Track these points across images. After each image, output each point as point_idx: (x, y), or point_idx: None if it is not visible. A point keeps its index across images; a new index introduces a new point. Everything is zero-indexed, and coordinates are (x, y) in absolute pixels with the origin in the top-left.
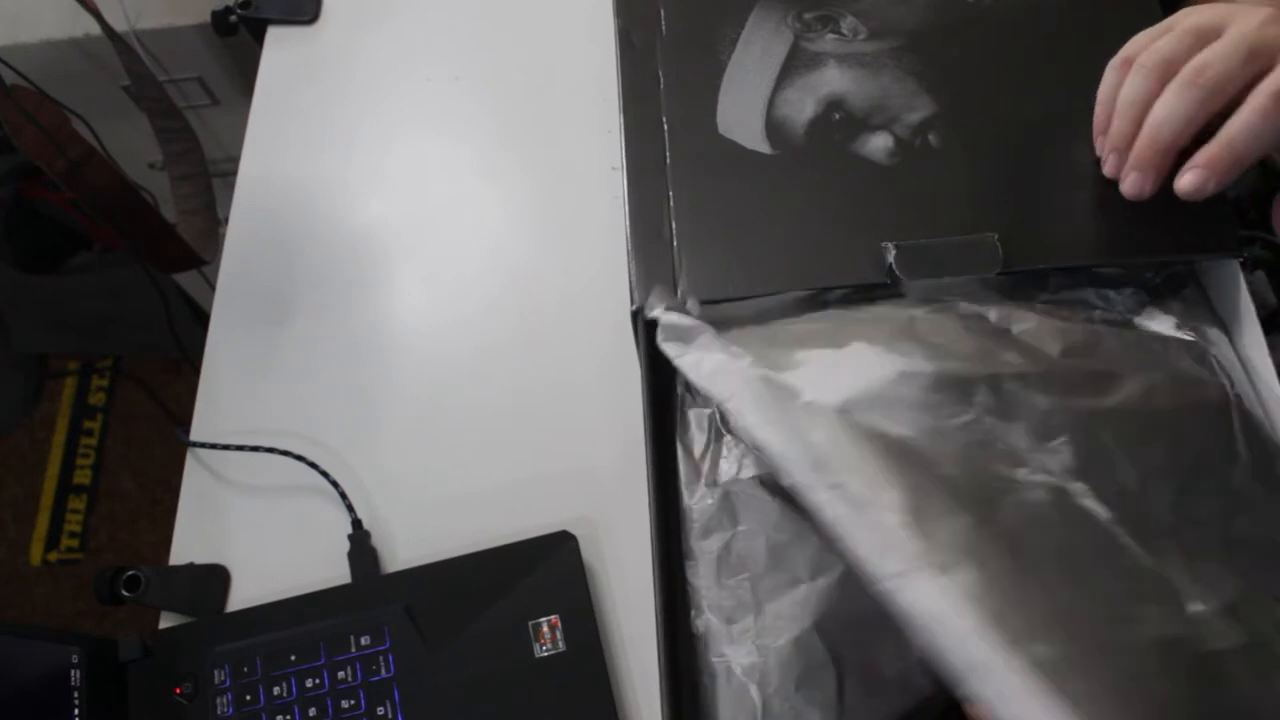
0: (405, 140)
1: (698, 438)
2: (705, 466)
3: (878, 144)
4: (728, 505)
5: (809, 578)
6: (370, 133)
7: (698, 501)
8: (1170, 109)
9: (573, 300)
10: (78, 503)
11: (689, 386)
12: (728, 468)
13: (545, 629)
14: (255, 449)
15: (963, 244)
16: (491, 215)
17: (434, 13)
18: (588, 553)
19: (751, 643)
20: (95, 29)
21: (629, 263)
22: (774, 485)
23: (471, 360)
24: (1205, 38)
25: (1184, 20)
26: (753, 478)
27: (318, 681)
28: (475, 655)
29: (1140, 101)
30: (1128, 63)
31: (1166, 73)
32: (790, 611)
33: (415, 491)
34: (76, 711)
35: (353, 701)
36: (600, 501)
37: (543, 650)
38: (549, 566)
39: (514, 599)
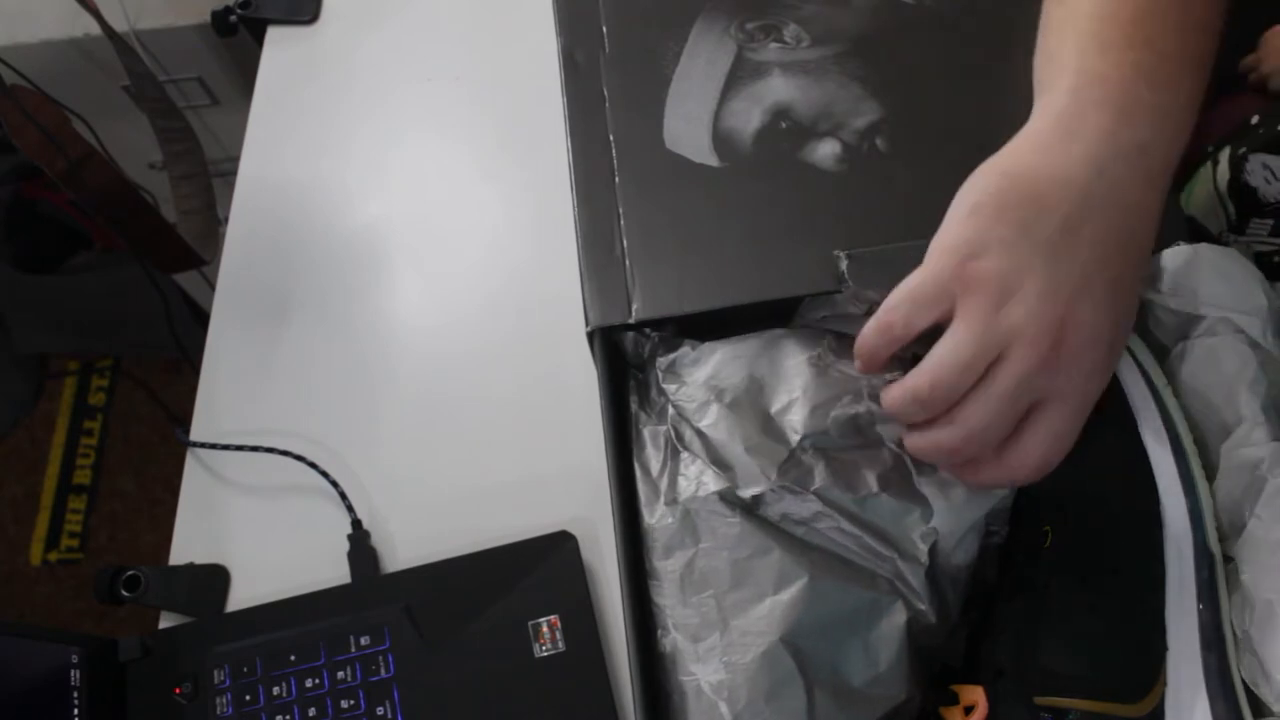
0: (405, 140)
1: (654, 456)
2: (664, 485)
3: (825, 151)
4: (688, 523)
5: (773, 591)
6: (370, 133)
7: (658, 521)
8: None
9: (572, 299)
10: (78, 503)
11: (643, 404)
12: (686, 485)
13: (545, 629)
14: (255, 449)
15: (914, 249)
16: (491, 215)
17: (434, 13)
18: (588, 553)
19: (719, 660)
20: (95, 29)
21: (582, 283)
22: (734, 500)
23: (471, 360)
24: (989, 356)
25: (966, 345)
26: (712, 494)
27: (317, 682)
28: (475, 655)
29: (906, 419)
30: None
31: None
32: (756, 626)
33: (415, 491)
34: (76, 711)
35: (352, 701)
36: (600, 501)
37: (542, 650)
38: (549, 566)
39: (514, 599)
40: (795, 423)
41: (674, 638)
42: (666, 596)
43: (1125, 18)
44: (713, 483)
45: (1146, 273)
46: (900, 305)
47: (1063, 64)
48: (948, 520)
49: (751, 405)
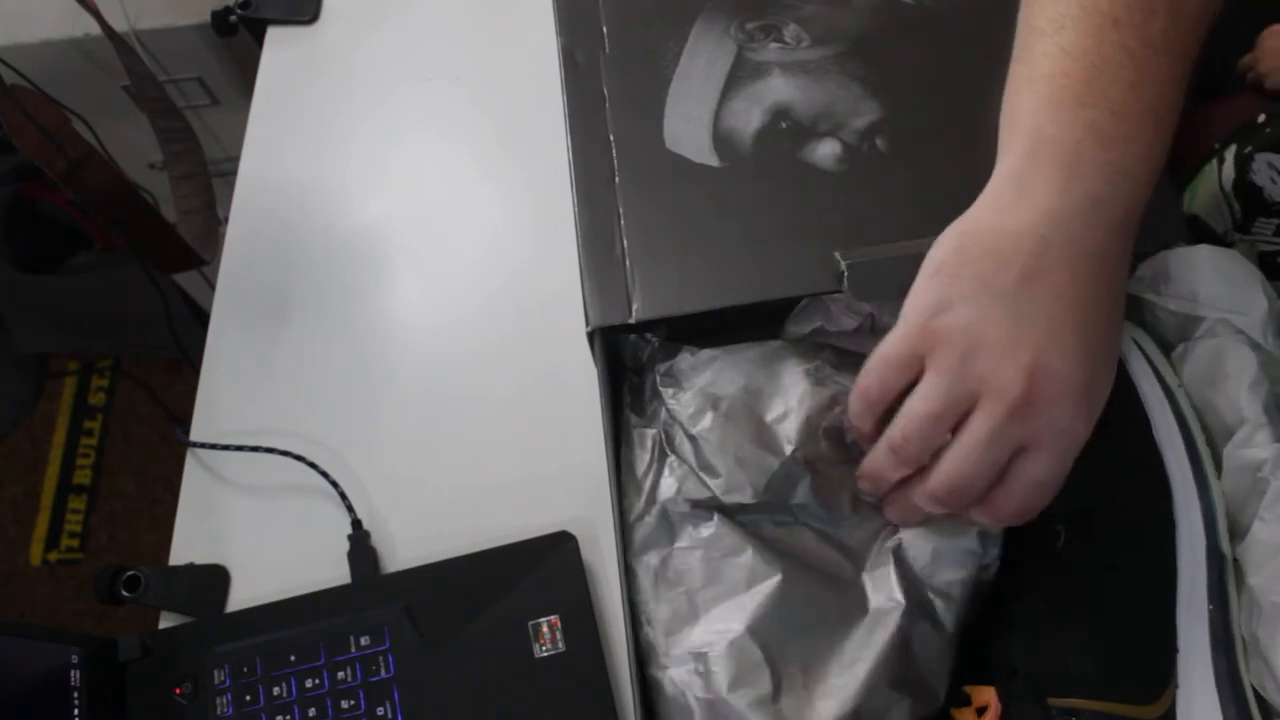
0: (405, 140)
1: (641, 457)
2: (646, 485)
3: (826, 151)
4: (665, 523)
5: (745, 588)
6: (370, 133)
7: (637, 519)
8: (906, 512)
9: (572, 299)
10: (78, 503)
11: (635, 406)
12: (668, 487)
13: (545, 629)
14: (255, 449)
15: (914, 250)
16: (491, 215)
17: (434, 13)
18: (588, 553)
19: (688, 652)
20: (95, 29)
21: (582, 282)
22: (712, 503)
23: (471, 360)
24: (960, 407)
25: (934, 396)
26: (690, 498)
27: (317, 682)
28: (475, 655)
29: (886, 474)
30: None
31: (914, 458)
32: (725, 619)
33: (415, 491)
34: (76, 711)
35: (352, 702)
36: (600, 501)
37: (542, 650)
38: (549, 566)
39: (514, 599)
40: (789, 432)
41: (647, 632)
42: (642, 592)
43: (1078, 77)
44: (694, 489)
45: (1121, 319)
46: (874, 369)
47: (1019, 125)
48: (921, 535)
49: (747, 414)
